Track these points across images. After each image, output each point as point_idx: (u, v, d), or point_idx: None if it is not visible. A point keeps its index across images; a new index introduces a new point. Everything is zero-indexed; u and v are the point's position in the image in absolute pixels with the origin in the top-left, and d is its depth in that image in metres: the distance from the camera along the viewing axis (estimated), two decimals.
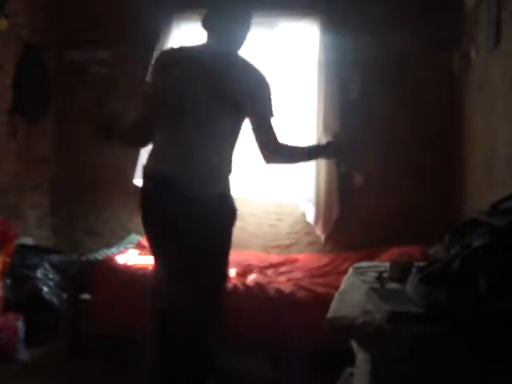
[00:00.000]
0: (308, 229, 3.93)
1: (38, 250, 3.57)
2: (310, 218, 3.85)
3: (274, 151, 2.15)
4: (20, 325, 2.99)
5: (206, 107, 2.04)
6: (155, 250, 2.15)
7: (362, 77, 3.80)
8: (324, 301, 2.08)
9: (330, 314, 1.70)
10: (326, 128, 3.75)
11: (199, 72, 2.06)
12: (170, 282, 2.08)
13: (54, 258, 3.55)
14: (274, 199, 4.01)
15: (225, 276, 2.24)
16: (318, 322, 1.86)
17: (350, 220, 3.85)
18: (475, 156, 3.15)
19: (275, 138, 2.12)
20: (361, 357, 1.74)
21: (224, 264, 2.19)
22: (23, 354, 2.98)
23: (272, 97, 2.13)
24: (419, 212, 3.72)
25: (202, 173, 2.07)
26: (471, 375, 1.43)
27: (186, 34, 3.90)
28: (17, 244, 3.25)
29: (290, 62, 3.86)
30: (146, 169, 2.17)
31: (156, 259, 2.17)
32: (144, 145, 2.37)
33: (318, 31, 3.74)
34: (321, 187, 3.77)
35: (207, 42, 2.16)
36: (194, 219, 2.03)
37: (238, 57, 2.14)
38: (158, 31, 3.83)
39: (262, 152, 2.15)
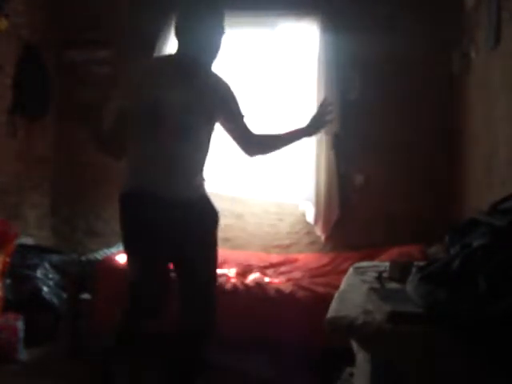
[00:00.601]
0: (308, 229, 3.93)
1: (38, 250, 3.56)
2: (310, 217, 3.85)
3: (254, 143, 2.34)
4: (20, 325, 2.99)
5: (188, 118, 2.10)
6: (148, 255, 2.15)
7: (361, 77, 3.80)
8: (324, 301, 2.08)
9: (329, 314, 1.70)
10: (326, 128, 3.75)
11: (180, 84, 2.10)
12: (159, 286, 2.18)
13: (54, 257, 3.55)
14: (274, 199, 4.01)
15: (215, 275, 2.33)
16: (318, 321, 1.86)
17: (349, 220, 3.85)
18: (475, 156, 3.15)
19: (252, 133, 2.32)
20: (361, 357, 1.74)
21: (214, 262, 2.29)
22: (23, 354, 2.98)
23: (238, 100, 2.30)
24: (419, 212, 3.72)
25: (192, 180, 2.18)
26: (471, 375, 1.42)
27: None
28: (17, 244, 3.25)
29: (290, 61, 3.86)
30: (134, 183, 2.15)
31: (146, 265, 2.17)
32: (118, 157, 2.28)
33: (318, 31, 3.74)
34: (321, 187, 3.78)
35: (181, 51, 2.14)
36: (188, 224, 2.14)
37: (208, 67, 2.19)
38: (157, 31, 3.83)
39: (243, 148, 2.34)
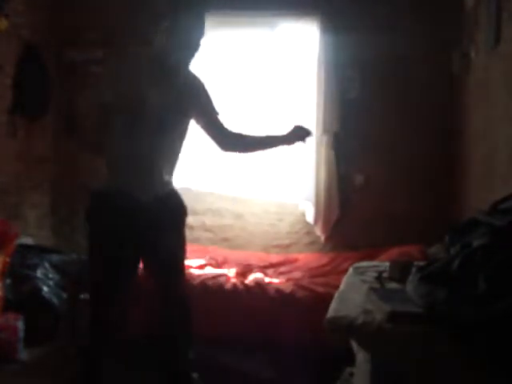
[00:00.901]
0: (308, 228, 3.93)
1: (38, 250, 3.56)
2: (310, 217, 3.85)
3: (228, 139, 2.36)
4: (20, 325, 2.98)
5: (166, 117, 2.15)
6: (113, 253, 2.18)
7: (361, 76, 3.80)
8: (324, 300, 2.08)
9: (329, 314, 1.70)
10: (326, 128, 3.75)
11: (160, 84, 2.15)
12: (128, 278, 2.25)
13: (54, 257, 3.54)
14: (273, 199, 4.01)
15: (184, 274, 2.38)
16: (318, 321, 1.86)
17: (349, 220, 3.85)
18: (475, 156, 3.15)
19: (226, 129, 2.35)
20: (361, 357, 1.74)
21: (183, 261, 2.35)
22: (23, 354, 2.98)
23: (212, 97, 2.33)
24: (419, 212, 3.72)
25: (164, 178, 2.23)
26: (471, 375, 1.43)
27: None
28: (17, 244, 3.24)
29: (290, 61, 3.86)
30: (109, 181, 2.22)
31: (110, 263, 2.20)
32: (98, 151, 2.33)
33: (318, 31, 3.74)
34: (321, 187, 3.78)
35: (161, 51, 2.16)
36: (157, 222, 2.19)
37: (187, 67, 2.23)
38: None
39: (217, 142, 2.37)
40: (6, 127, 3.61)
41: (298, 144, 2.35)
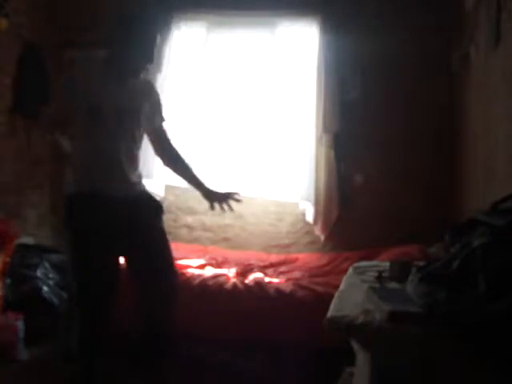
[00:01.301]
0: (307, 228, 3.93)
1: (38, 250, 3.56)
2: (310, 217, 3.85)
3: (163, 151, 2.46)
4: (20, 325, 2.99)
5: (124, 118, 2.24)
6: (96, 253, 2.21)
7: (361, 77, 3.80)
8: (324, 300, 2.08)
9: (329, 314, 1.70)
10: (326, 128, 3.75)
11: (116, 87, 2.24)
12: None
13: (54, 257, 3.54)
14: (273, 199, 4.01)
15: (168, 272, 2.36)
16: (317, 321, 1.86)
17: (349, 220, 3.85)
18: (475, 156, 3.15)
19: (167, 139, 2.45)
20: (361, 357, 1.74)
21: (167, 256, 2.34)
22: (23, 354, 2.98)
23: (161, 103, 2.43)
24: (419, 212, 3.72)
25: (131, 176, 2.28)
26: (471, 375, 1.43)
27: (186, 35, 3.91)
28: (17, 244, 3.24)
29: (290, 62, 3.85)
30: (78, 184, 2.25)
31: (93, 264, 2.23)
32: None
33: (318, 32, 3.74)
34: (320, 187, 3.78)
35: (118, 58, 2.29)
36: (134, 220, 2.24)
37: (140, 73, 2.33)
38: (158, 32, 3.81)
39: (153, 147, 2.46)
40: (6, 127, 3.61)
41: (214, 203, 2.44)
